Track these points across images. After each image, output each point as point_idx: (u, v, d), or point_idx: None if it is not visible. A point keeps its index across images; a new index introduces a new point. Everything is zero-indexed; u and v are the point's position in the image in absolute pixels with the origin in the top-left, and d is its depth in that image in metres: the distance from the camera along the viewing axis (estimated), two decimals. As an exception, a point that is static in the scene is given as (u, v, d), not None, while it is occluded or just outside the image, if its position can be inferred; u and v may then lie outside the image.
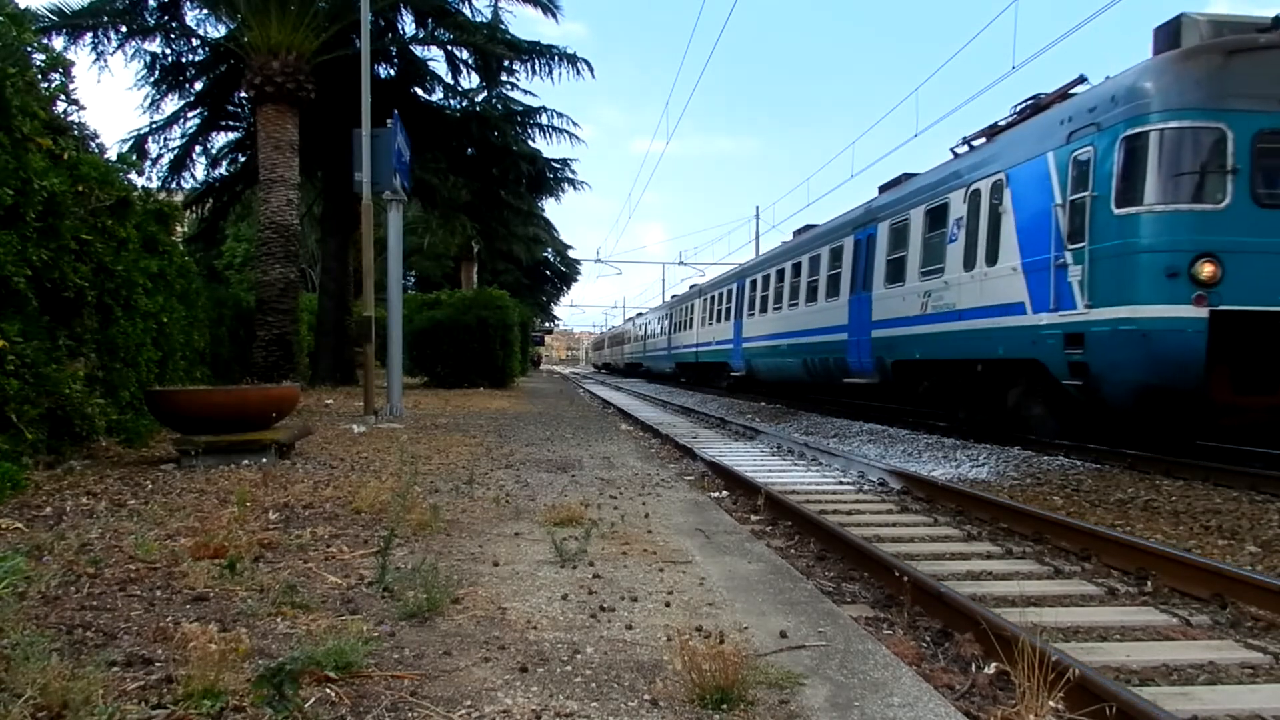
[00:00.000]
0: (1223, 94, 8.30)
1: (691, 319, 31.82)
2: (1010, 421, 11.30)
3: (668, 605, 3.39)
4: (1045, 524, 6.00)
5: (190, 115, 20.80)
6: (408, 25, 21.00)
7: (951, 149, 12.64)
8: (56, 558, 3.76)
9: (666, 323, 38.83)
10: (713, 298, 28.33)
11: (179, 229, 16.61)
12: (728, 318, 25.38)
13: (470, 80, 21.85)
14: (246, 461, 7.01)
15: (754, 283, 22.72)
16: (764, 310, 21.33)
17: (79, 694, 2.15)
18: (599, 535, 4.55)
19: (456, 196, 23.58)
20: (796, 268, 18.86)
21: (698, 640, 2.69)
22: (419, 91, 21.75)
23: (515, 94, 22.81)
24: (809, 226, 20.24)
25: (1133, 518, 6.85)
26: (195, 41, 19.46)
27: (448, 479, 6.62)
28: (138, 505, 5.19)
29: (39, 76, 8.29)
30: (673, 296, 41.52)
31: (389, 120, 12.30)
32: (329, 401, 15.09)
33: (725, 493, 7.98)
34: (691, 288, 36.31)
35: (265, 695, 2.14)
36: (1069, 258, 9.29)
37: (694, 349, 31.08)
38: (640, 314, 54.54)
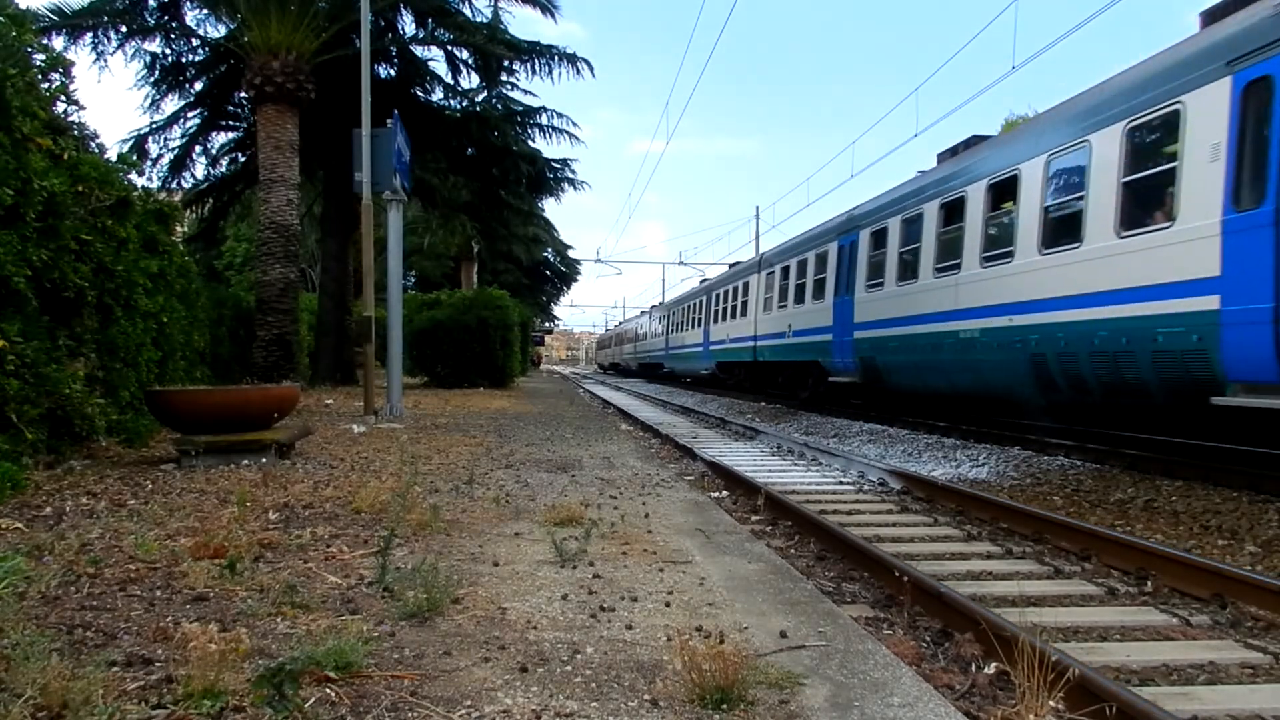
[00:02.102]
0: None
1: (745, 302, 23.22)
2: None
3: (668, 605, 3.39)
4: (1045, 524, 6.00)
5: (190, 115, 20.84)
6: (408, 25, 21.05)
7: None
8: (56, 558, 3.76)
9: (700, 311, 29.83)
10: (783, 270, 19.75)
11: (179, 229, 16.63)
12: (817, 295, 17.23)
13: (470, 80, 21.90)
14: (246, 461, 7.01)
15: (877, 236, 14.40)
16: (908, 276, 13.02)
17: (79, 694, 2.15)
18: (599, 535, 4.55)
19: (456, 196, 23.59)
20: (998, 192, 10.71)
21: (698, 640, 2.69)
22: (419, 92, 21.76)
23: (515, 94, 22.85)
24: (980, 138, 12.58)
25: (1133, 518, 6.85)
26: (195, 41, 19.48)
27: (448, 479, 6.62)
28: (138, 505, 5.18)
29: (39, 77, 8.29)
30: (702, 281, 33.23)
31: (389, 120, 12.30)
32: (329, 401, 15.09)
33: (725, 493, 7.98)
34: (732, 266, 28.17)
35: (265, 695, 2.14)
36: None
37: (749, 343, 22.43)
38: (659, 304, 45.20)
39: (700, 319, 29.72)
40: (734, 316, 24.52)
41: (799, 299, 18.47)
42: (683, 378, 35.85)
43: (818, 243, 17.75)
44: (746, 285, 23.29)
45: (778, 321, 19.88)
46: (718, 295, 27.22)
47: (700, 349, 29.41)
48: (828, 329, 16.36)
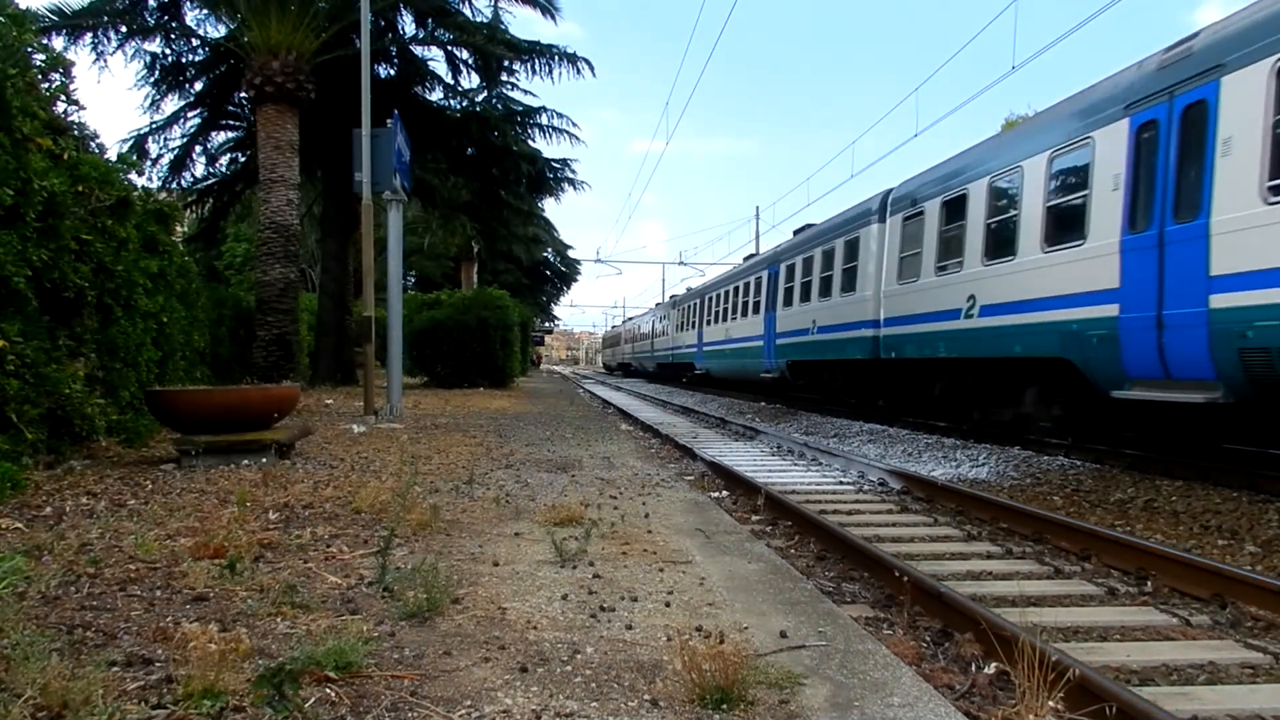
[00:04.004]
0: None
1: (852, 269, 15.27)
2: None
3: (668, 605, 3.39)
4: (1045, 524, 6.00)
5: (190, 115, 20.84)
6: (408, 25, 21.05)
7: None
8: (56, 558, 3.76)
9: (758, 293, 21.53)
10: (947, 208, 12.02)
11: (179, 229, 16.64)
12: (1059, 237, 9.43)
13: (470, 80, 21.90)
14: (246, 461, 7.00)
15: None
16: None
17: (79, 694, 2.15)
18: (599, 535, 4.55)
19: (456, 196, 23.59)
20: None
21: (698, 640, 2.69)
22: (419, 91, 21.76)
23: (515, 94, 22.85)
24: None
25: (1133, 518, 6.85)
26: (195, 41, 19.48)
27: (448, 479, 6.62)
28: (138, 505, 5.18)
29: (39, 77, 8.28)
30: (747, 259, 25.19)
31: (389, 120, 12.30)
32: (329, 401, 15.09)
33: (725, 493, 7.98)
34: (798, 232, 20.03)
35: (265, 695, 2.14)
36: None
37: (863, 332, 14.53)
38: (689, 290, 34.70)
39: (758, 303, 21.39)
40: (825, 295, 16.58)
41: (996, 251, 10.73)
42: (680, 377, 34.42)
43: (1047, 136, 9.78)
44: (853, 246, 15.27)
45: (937, 295, 12.15)
46: (790, 268, 18.89)
47: (760, 343, 21.05)
48: (1102, 296, 8.61)
